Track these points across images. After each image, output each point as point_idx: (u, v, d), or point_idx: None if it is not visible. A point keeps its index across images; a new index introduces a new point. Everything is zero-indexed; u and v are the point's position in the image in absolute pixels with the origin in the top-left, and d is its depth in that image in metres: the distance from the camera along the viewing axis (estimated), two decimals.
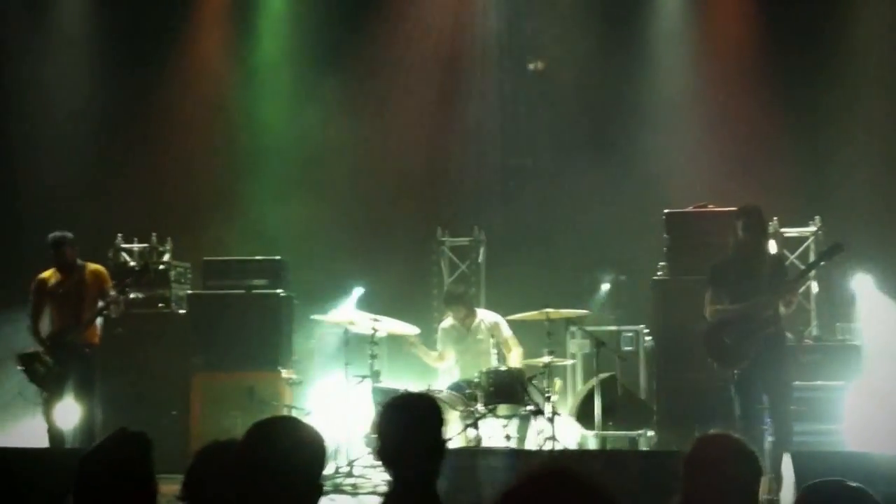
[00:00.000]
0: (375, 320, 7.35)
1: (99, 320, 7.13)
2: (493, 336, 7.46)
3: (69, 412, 6.93)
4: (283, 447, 2.45)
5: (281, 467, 2.42)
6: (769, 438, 6.23)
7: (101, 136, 10.47)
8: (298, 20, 10.64)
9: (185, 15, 10.78)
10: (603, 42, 10.11)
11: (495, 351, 7.30)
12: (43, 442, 6.94)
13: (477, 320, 7.81)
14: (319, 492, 2.49)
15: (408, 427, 2.97)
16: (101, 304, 7.02)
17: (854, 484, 2.39)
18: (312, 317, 8.01)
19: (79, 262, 7.22)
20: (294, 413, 7.73)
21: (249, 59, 10.75)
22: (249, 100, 10.64)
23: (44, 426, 7.01)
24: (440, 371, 8.09)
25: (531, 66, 10.55)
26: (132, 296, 7.25)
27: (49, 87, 10.50)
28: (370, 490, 6.88)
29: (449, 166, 10.30)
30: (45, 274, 7.23)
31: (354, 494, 6.83)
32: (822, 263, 6.71)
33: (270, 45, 10.74)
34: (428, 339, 8.37)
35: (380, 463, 3.06)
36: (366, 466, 7.14)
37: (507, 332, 7.73)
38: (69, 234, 7.21)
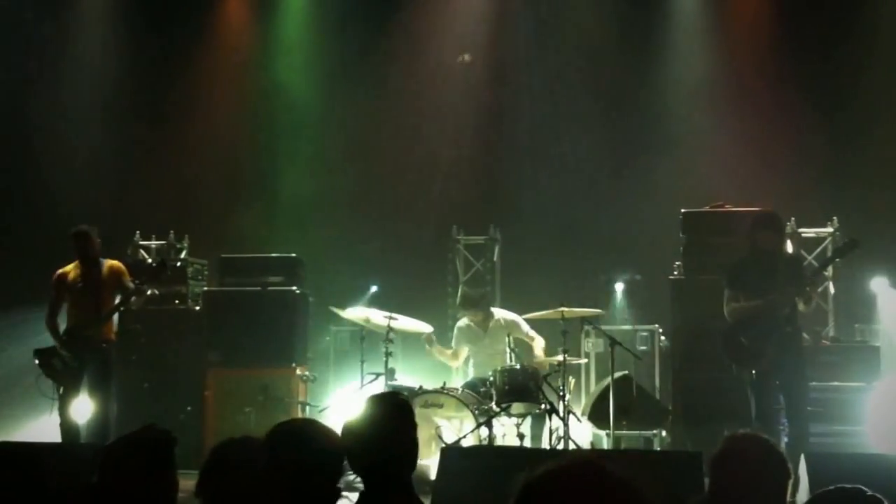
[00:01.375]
0: (391, 318, 7.35)
1: (115, 316, 7.16)
2: (509, 335, 7.43)
3: (84, 407, 6.96)
4: (302, 449, 2.45)
5: (300, 469, 2.41)
6: (785, 439, 6.18)
7: (120, 133, 10.50)
8: (323, 11, 10.65)
9: (209, 7, 10.83)
10: (620, 41, 10.07)
11: (508, 349, 7.27)
12: (58, 437, 6.98)
13: (494, 321, 7.79)
14: (337, 496, 2.48)
15: (376, 430, 2.72)
16: (118, 299, 7.05)
17: (869, 492, 2.35)
18: (330, 307, 8.00)
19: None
20: (309, 410, 7.75)
21: (272, 53, 10.76)
22: (268, 95, 10.64)
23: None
24: (453, 369, 8.08)
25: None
26: (149, 292, 7.27)
27: (70, 78, 10.54)
28: None
29: (465, 164, 10.28)
30: (66, 269, 7.25)
31: None
32: (837, 260, 6.66)
33: (294, 33, 10.73)
34: (442, 336, 8.37)
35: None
36: None
37: (525, 328, 7.70)
38: (92, 228, 7.22)
